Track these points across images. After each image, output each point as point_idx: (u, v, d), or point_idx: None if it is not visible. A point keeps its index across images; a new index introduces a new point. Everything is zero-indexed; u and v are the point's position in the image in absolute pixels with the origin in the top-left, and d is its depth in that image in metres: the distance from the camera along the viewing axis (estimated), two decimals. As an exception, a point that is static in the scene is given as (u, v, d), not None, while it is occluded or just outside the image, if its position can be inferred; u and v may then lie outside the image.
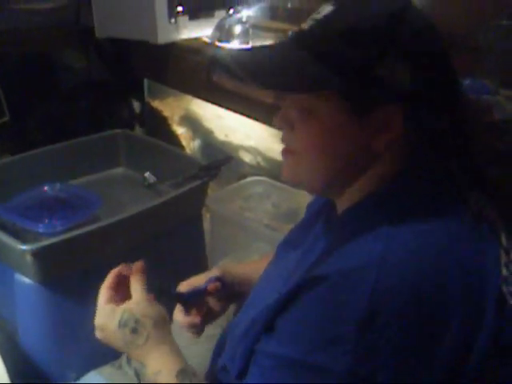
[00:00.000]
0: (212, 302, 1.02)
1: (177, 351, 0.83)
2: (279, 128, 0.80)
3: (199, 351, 1.10)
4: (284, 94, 0.78)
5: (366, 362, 0.63)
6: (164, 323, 0.83)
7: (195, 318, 0.98)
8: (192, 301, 0.99)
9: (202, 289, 0.99)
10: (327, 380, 0.64)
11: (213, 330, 1.09)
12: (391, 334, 0.63)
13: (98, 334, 0.84)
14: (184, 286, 1.00)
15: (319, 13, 0.75)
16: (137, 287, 0.84)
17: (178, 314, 0.98)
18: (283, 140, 0.80)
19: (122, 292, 0.85)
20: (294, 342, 0.68)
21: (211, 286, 1.00)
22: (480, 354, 0.66)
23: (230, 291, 1.03)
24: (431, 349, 0.64)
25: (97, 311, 0.85)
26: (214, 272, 1.03)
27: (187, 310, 0.98)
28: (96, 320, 0.84)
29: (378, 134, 0.72)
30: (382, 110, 0.71)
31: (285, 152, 0.80)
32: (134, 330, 0.80)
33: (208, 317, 1.01)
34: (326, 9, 0.74)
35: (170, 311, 0.95)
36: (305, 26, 0.76)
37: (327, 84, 0.71)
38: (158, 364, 0.80)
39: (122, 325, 0.80)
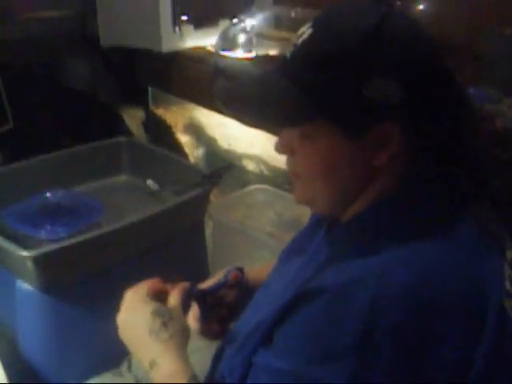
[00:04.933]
0: (230, 297, 1.00)
1: (189, 362, 0.82)
2: (280, 153, 0.80)
3: (199, 359, 1.08)
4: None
5: (364, 376, 0.62)
6: (187, 336, 0.84)
7: (213, 325, 0.98)
8: (214, 296, 0.97)
9: (223, 281, 0.97)
10: None
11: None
12: (389, 349, 0.62)
13: (122, 316, 0.84)
14: (203, 286, 0.99)
15: (299, 37, 0.73)
16: (175, 296, 0.85)
17: (192, 319, 0.96)
18: (287, 164, 0.80)
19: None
20: (292, 355, 0.67)
21: (232, 275, 0.99)
22: (480, 370, 0.65)
23: (245, 294, 1.00)
24: (430, 363, 0.63)
25: (130, 291, 0.85)
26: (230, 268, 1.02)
27: (206, 316, 0.96)
28: (127, 298, 0.85)
29: (379, 150, 0.71)
30: (378, 129, 0.70)
31: (292, 175, 0.80)
32: (165, 324, 0.80)
33: (226, 320, 0.99)
34: (305, 32, 0.72)
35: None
36: (287, 52, 0.75)
37: (317, 115, 0.70)
38: (173, 366, 0.79)
39: (156, 313, 0.81)
